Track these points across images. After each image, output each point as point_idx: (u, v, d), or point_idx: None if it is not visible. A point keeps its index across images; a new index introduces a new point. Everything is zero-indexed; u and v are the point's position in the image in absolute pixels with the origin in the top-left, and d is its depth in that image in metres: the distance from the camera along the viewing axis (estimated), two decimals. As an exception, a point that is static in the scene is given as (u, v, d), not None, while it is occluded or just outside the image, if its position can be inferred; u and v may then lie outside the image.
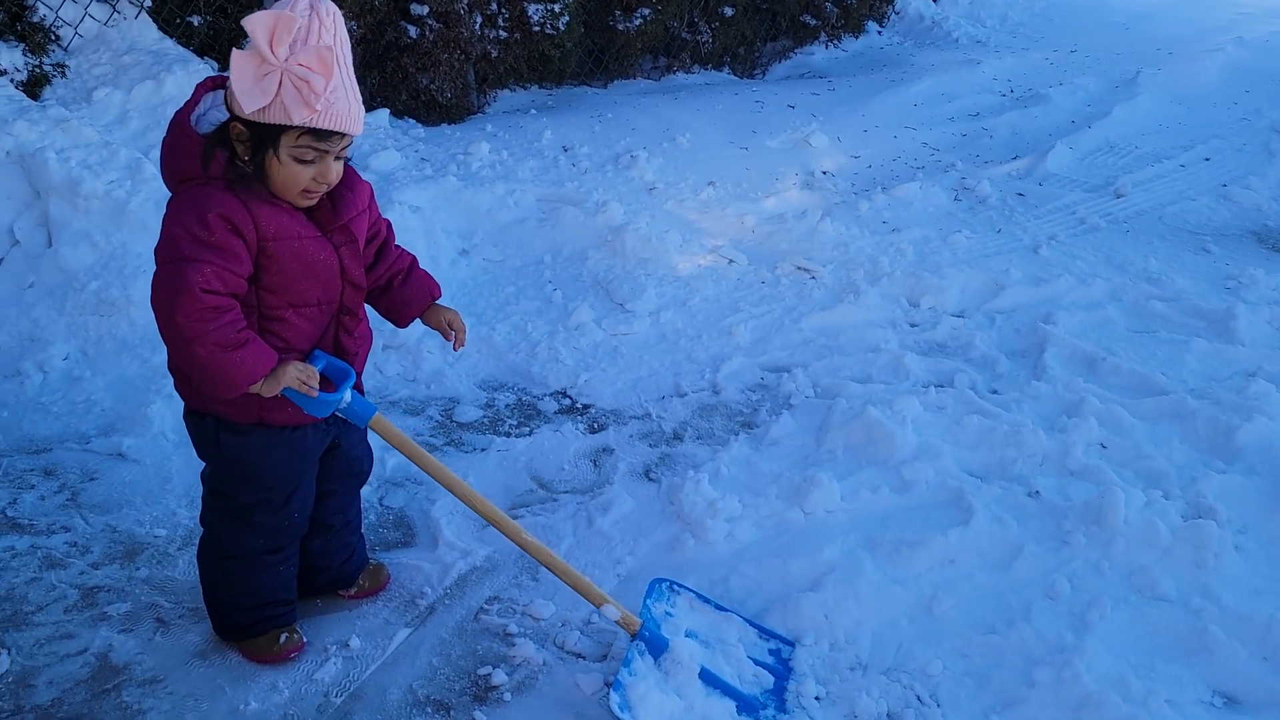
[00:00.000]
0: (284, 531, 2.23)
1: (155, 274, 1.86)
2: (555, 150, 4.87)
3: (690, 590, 2.39)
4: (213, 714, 2.22)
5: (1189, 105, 6.55)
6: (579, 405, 3.41)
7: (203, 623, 2.41)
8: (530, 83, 6.11)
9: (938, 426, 3.17)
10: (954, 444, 3.09)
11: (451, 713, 2.25)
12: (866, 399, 3.25)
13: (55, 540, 2.70)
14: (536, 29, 5.61)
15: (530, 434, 3.24)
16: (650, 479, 3.03)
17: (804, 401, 3.38)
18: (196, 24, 4.59)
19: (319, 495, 2.31)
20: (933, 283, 4.10)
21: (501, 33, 5.54)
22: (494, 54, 5.55)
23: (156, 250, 1.88)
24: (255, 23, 1.70)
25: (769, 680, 2.26)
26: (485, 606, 2.54)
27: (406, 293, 2.26)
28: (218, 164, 1.85)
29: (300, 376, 1.95)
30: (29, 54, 4.04)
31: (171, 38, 4.40)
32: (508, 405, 3.41)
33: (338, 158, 1.89)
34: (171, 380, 2.18)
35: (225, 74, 1.83)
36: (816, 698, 2.26)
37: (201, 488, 2.25)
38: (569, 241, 4.21)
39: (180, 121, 1.88)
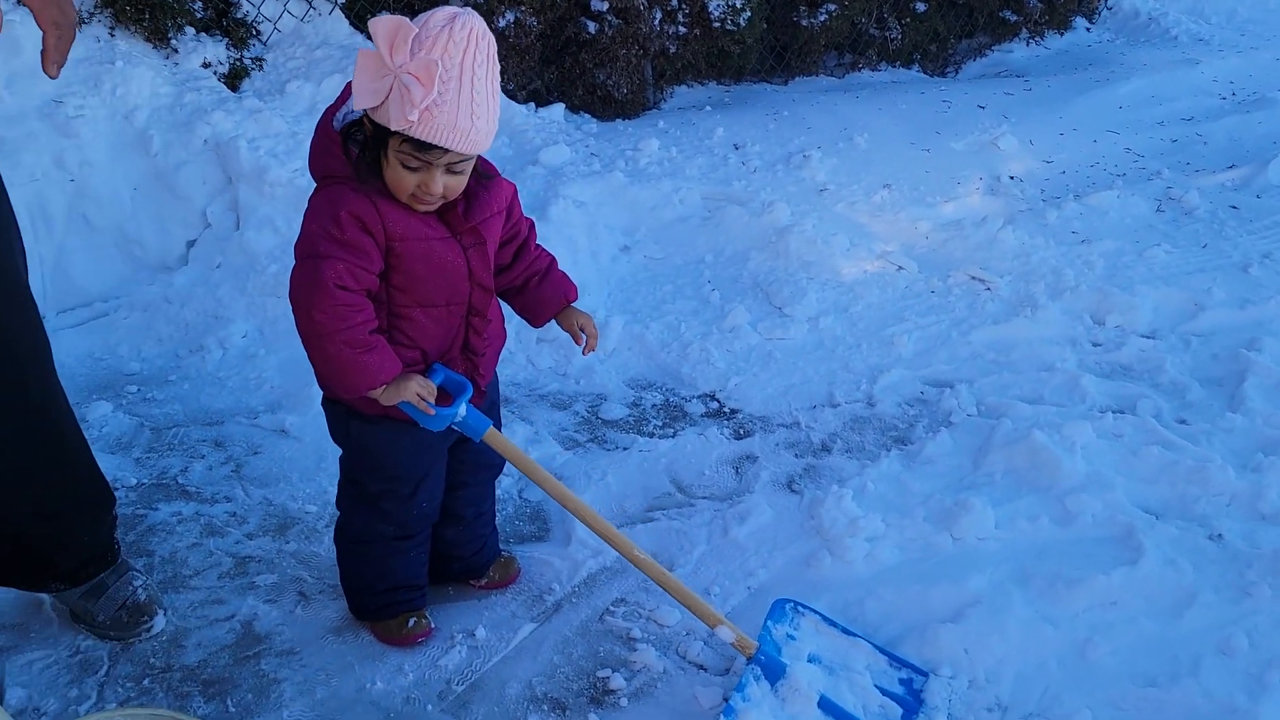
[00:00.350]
0: (412, 520, 2.27)
1: (294, 269, 1.92)
2: (726, 148, 4.80)
3: (816, 612, 2.28)
4: (341, 689, 2.29)
5: None
6: (726, 409, 3.34)
7: (340, 600, 2.49)
8: (708, 79, 6.05)
9: (1112, 456, 2.92)
10: (1128, 476, 2.84)
11: (567, 712, 2.23)
12: (1034, 421, 3.04)
13: (217, 509, 2.85)
14: (716, 25, 5.53)
15: (674, 435, 3.19)
16: (793, 490, 2.93)
17: (965, 420, 3.19)
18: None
19: (451, 486, 2.34)
20: (1122, 299, 3.79)
21: (680, 28, 5.50)
22: (672, 50, 5.52)
23: (296, 246, 1.94)
24: (378, 26, 1.73)
25: (896, 712, 2.13)
26: (611, 608, 2.52)
27: (543, 293, 2.25)
28: (349, 160, 1.88)
29: (421, 392, 1.98)
30: (231, 48, 4.29)
31: (362, 33, 4.59)
32: (654, 405, 3.37)
33: (452, 171, 1.87)
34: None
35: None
36: (948, 736, 2.12)
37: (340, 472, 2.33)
38: (731, 241, 4.13)
39: (325, 119, 1.93)
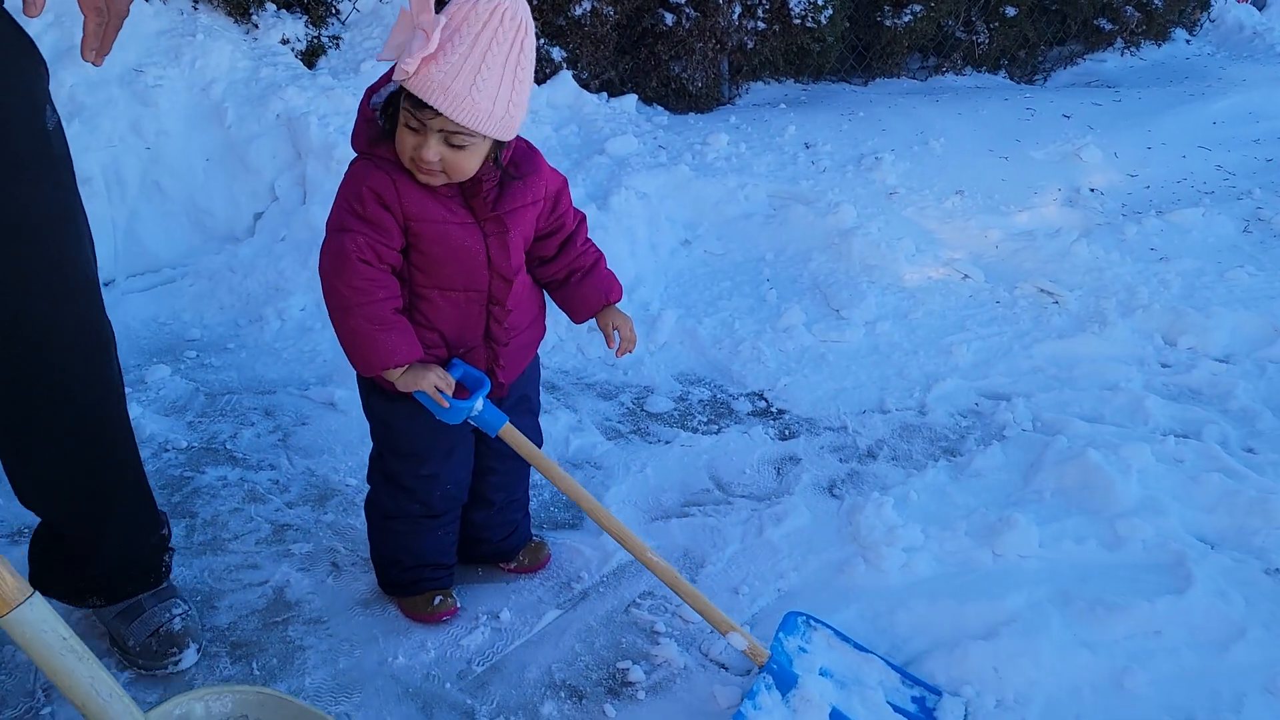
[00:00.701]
0: (436, 500, 2.27)
1: (323, 242, 1.94)
2: (796, 146, 4.74)
3: (829, 627, 2.23)
4: (364, 661, 2.31)
5: None
6: (774, 409, 3.29)
7: (370, 574, 2.51)
8: (786, 76, 5.99)
9: (1169, 481, 2.80)
10: (1185, 503, 2.72)
11: (583, 701, 2.22)
12: (1090, 440, 2.93)
13: (261, 476, 2.91)
14: (797, 21, 5.47)
15: (718, 432, 3.16)
16: (833, 495, 2.88)
17: (1019, 434, 3.09)
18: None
19: (479, 471, 2.33)
20: (1197, 320, 3.65)
21: (760, 24, 5.45)
22: (750, 45, 5.47)
23: (328, 220, 1.95)
24: None
25: (910, 729, 2.07)
26: (637, 600, 2.49)
27: (583, 290, 2.22)
28: (371, 135, 1.90)
29: (439, 384, 1.98)
30: (310, 25, 4.37)
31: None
32: (701, 401, 3.34)
33: (451, 144, 1.83)
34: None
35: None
36: (970, 755, 2.05)
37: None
38: (794, 241, 4.08)
39: (366, 95, 1.94)
